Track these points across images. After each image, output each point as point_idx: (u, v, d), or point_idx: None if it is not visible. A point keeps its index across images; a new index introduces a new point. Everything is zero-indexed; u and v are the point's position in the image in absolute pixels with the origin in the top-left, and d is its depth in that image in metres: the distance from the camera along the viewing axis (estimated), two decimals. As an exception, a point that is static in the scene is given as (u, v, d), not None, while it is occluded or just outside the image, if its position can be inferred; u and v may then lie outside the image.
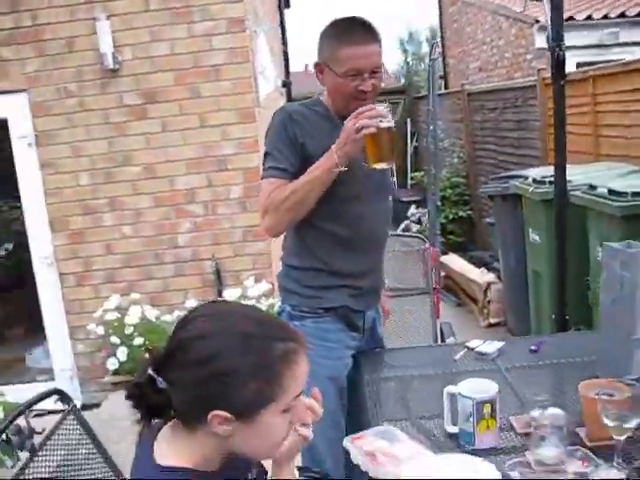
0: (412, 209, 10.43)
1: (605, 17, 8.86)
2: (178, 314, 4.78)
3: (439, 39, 13.64)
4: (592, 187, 3.82)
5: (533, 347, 2.48)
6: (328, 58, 2.23)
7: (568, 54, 8.77)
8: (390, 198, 2.57)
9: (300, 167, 2.21)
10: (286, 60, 11.23)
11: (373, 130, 2.05)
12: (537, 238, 4.39)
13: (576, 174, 4.16)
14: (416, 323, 3.82)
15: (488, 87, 8.66)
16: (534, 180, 4.36)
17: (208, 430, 1.27)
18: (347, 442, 1.78)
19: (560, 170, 3.19)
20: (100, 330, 4.66)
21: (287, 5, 17.51)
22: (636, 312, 2.05)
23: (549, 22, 3.18)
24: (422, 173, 10.70)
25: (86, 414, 2.29)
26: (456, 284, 6.89)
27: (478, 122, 8.66)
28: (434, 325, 3.73)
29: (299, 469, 1.97)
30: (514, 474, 1.57)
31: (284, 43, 11.07)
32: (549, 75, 6.58)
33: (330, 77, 2.24)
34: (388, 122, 2.09)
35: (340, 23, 2.27)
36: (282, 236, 2.47)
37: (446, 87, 12.92)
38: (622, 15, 8.82)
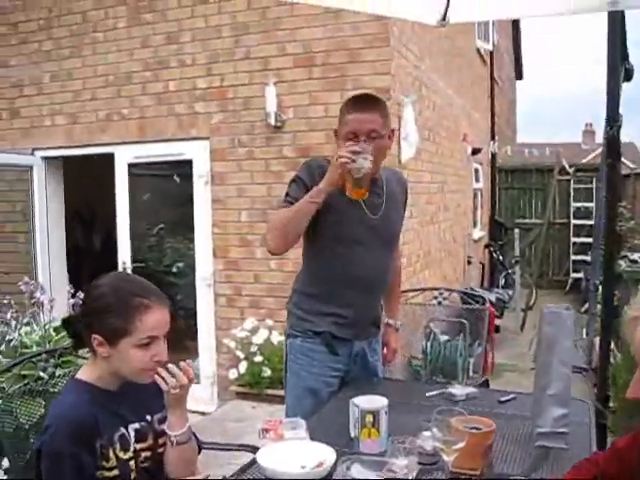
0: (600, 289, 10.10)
1: None
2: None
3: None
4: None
5: (501, 399, 2.71)
6: (339, 126, 2.68)
7: None
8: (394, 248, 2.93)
9: None
10: (492, 125, 11.60)
11: (347, 161, 2.42)
12: None
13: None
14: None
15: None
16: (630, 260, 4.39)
17: (98, 354, 1.91)
18: (263, 422, 2.24)
19: (607, 252, 3.33)
20: (232, 345, 5.42)
21: (519, 77, 17.86)
22: (552, 370, 2.26)
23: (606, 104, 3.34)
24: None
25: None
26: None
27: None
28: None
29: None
30: (344, 467, 1.88)
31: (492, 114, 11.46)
32: None
33: (339, 143, 2.63)
34: (364, 158, 2.45)
35: (352, 97, 2.74)
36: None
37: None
38: None
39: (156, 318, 1.92)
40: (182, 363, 1.96)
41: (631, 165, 13.31)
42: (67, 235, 6.98)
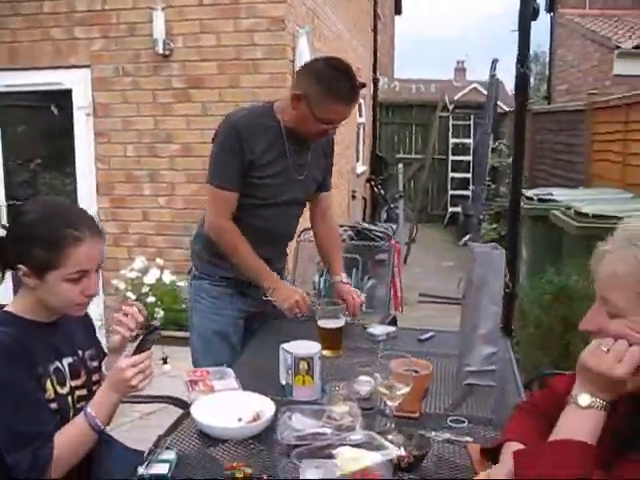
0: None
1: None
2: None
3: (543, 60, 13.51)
4: (568, 208, 3.96)
5: (421, 337, 2.72)
6: (312, 99, 2.41)
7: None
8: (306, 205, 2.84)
9: (245, 173, 2.51)
10: (375, 60, 11.61)
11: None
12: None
13: (570, 195, 4.30)
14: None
15: (546, 108, 8.66)
16: (526, 197, 4.52)
17: (25, 283, 1.76)
18: (184, 373, 2.12)
19: (515, 187, 3.37)
20: (121, 286, 5.18)
21: (398, 12, 17.90)
22: (481, 309, 2.25)
23: (517, 43, 3.33)
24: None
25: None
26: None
27: (539, 142, 8.68)
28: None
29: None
30: (285, 416, 1.81)
31: (375, 48, 11.46)
32: (599, 100, 6.67)
33: (306, 111, 2.44)
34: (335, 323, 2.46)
35: (333, 74, 2.42)
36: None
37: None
38: None
39: (87, 252, 1.76)
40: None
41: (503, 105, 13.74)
42: None
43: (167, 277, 5.21)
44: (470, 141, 12.55)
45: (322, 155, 2.78)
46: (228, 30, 5.25)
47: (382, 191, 11.66)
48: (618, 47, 8.46)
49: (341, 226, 5.20)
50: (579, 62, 10.34)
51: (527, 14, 3.40)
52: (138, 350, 1.81)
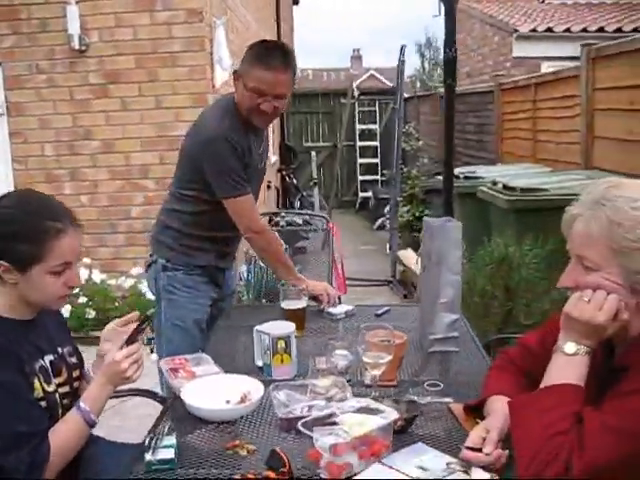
0: (388, 207, 10.74)
1: (584, 30, 9.16)
2: (123, 280, 5.18)
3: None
4: (494, 183, 4.16)
5: (377, 312, 2.82)
6: (244, 71, 2.51)
7: (545, 64, 9.05)
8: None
9: None
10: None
11: None
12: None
13: (492, 172, 4.51)
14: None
15: (459, 91, 8.96)
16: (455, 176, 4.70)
17: (4, 281, 1.72)
18: (162, 363, 2.14)
19: (447, 166, 3.53)
20: (50, 289, 5.05)
21: (295, 2, 17.96)
22: (442, 279, 2.37)
23: (444, 27, 3.49)
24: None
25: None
26: (407, 277, 7.21)
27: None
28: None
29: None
30: (279, 394, 1.88)
31: (279, 37, 11.47)
32: (506, 81, 6.98)
33: (240, 87, 2.53)
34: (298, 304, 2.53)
35: (265, 44, 2.57)
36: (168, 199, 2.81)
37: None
38: (601, 30, 9.12)
39: (70, 243, 1.75)
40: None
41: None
42: None
43: (97, 276, 5.13)
44: (376, 127, 12.80)
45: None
46: (144, 23, 5.19)
47: (294, 180, 11.75)
48: (516, 31, 8.85)
49: (274, 214, 5.27)
50: (478, 46, 10.75)
51: (452, -1, 3.59)
52: (130, 341, 1.82)
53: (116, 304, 5.16)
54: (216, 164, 2.53)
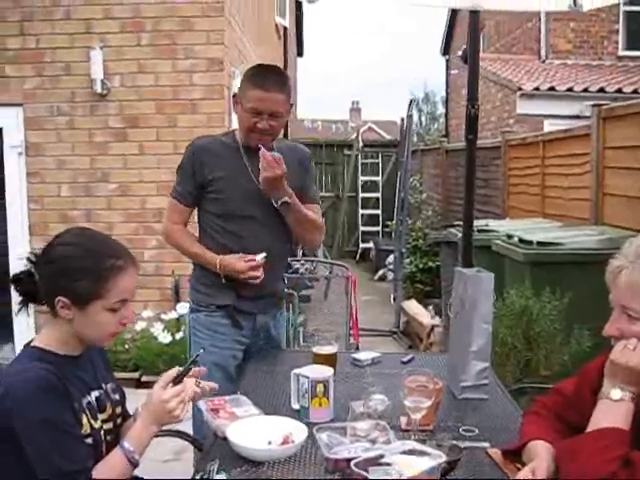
0: (390, 257, 10.80)
1: (585, 90, 9.36)
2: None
3: (437, 98, 14.20)
4: (509, 237, 4.23)
5: (403, 359, 2.85)
6: (241, 94, 2.66)
7: (548, 121, 9.21)
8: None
9: (199, 191, 2.71)
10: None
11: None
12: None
13: (504, 225, 4.59)
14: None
15: (460, 146, 9.12)
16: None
17: (60, 316, 1.75)
18: (201, 403, 2.16)
19: (467, 218, 3.59)
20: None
21: (300, 54, 18.36)
22: (474, 328, 2.41)
23: (467, 83, 3.59)
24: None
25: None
26: (411, 327, 7.25)
27: (453, 178, 9.13)
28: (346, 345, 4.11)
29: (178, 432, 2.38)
30: (322, 436, 1.91)
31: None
32: (514, 137, 7.13)
33: (239, 110, 2.67)
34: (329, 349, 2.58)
35: (259, 68, 2.73)
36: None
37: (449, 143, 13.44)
38: (601, 90, 9.33)
39: (129, 280, 1.80)
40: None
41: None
42: None
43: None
44: (379, 178, 12.94)
45: (296, 167, 2.76)
46: (166, 70, 5.31)
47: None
48: (520, 89, 9.06)
49: (295, 260, 5.29)
50: (482, 102, 10.93)
51: (476, 59, 3.71)
52: (177, 381, 1.85)
53: (126, 346, 5.16)
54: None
